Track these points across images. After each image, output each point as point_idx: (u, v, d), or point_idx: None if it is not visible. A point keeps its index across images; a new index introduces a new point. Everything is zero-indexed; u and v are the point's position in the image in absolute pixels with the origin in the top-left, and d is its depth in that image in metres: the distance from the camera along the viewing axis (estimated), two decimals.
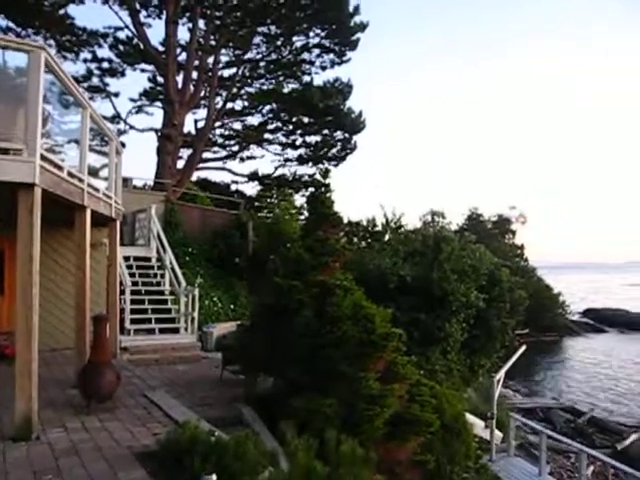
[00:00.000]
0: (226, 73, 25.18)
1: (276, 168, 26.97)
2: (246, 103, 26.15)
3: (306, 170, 26.65)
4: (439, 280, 14.87)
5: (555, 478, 12.70)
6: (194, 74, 22.60)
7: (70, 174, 6.85)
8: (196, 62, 22.65)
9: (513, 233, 48.77)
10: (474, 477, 9.11)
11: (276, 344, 7.29)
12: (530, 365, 31.71)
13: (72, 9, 21.09)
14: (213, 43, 23.15)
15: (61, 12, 20.91)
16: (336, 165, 26.06)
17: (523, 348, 14.99)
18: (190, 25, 22.20)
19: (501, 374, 13.36)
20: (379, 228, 21.03)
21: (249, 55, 24.35)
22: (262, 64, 24.90)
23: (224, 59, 24.66)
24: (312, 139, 26.24)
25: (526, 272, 41.46)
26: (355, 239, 20.94)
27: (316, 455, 4.60)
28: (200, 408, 7.30)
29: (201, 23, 22.31)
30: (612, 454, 15.98)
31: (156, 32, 22.41)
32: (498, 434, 13.58)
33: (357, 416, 6.27)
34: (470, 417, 11.97)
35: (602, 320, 54.93)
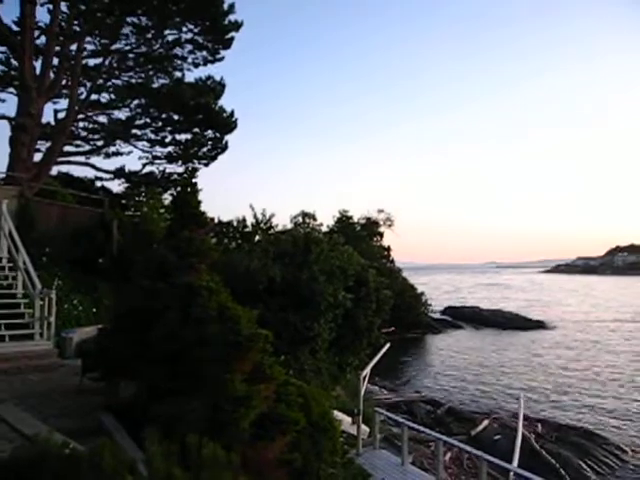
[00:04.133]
0: (91, 62, 23.70)
1: (144, 165, 25.84)
2: (113, 96, 24.83)
3: (175, 169, 25.87)
4: (308, 281, 15.14)
5: (417, 466, 13.35)
6: (55, 60, 20.99)
7: None
8: (57, 48, 21.05)
9: (380, 235, 51.09)
10: (341, 472, 9.33)
11: (139, 348, 6.99)
12: (395, 361, 33.38)
13: None
14: (77, 29, 21.66)
15: None
16: (206, 165, 25.58)
17: (387, 345, 15.71)
18: (50, 6, 20.58)
19: (367, 371, 13.88)
20: (249, 229, 20.95)
21: (117, 45, 23.08)
22: (131, 56, 23.75)
23: (89, 47, 23.14)
24: (182, 137, 25.52)
25: (392, 273, 43.65)
26: (225, 240, 20.67)
27: (178, 461, 4.44)
28: (56, 419, 6.81)
29: (64, 6, 20.77)
30: (467, 440, 17.30)
31: (10, 10, 20.53)
32: (365, 429, 14.10)
33: (223, 418, 6.17)
34: (338, 414, 12.32)
35: (460, 317, 59.37)
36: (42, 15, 21.42)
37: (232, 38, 23.33)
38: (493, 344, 43.91)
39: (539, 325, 52.86)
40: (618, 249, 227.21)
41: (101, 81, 23.72)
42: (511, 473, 13.26)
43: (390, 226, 53.47)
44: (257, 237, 20.41)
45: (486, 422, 20.29)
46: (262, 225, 20.80)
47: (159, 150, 25.74)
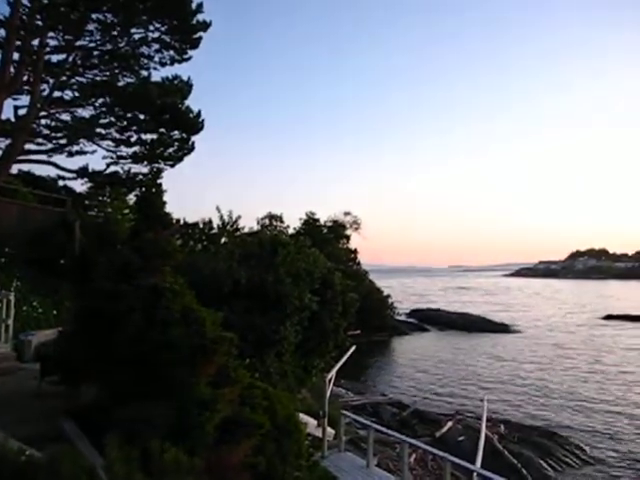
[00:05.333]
0: (54, 58, 23.07)
1: (108, 165, 25.28)
2: (77, 93, 24.25)
3: (141, 169, 25.40)
4: (274, 283, 15.07)
5: (382, 468, 13.41)
6: (15, 55, 20.37)
7: None
8: (18, 42, 20.44)
9: (347, 238, 51.29)
10: (306, 475, 9.31)
11: (101, 351, 6.84)
12: (361, 364, 33.53)
13: None
14: (39, 23, 21.08)
15: None
16: (172, 165, 25.20)
17: (353, 348, 15.76)
18: None
19: (332, 373, 13.89)
20: (215, 231, 20.74)
21: (81, 42, 22.55)
22: (96, 53, 23.21)
23: (52, 43, 22.52)
24: (148, 137, 25.08)
25: (358, 275, 43.87)
26: (191, 242, 20.43)
27: (140, 466, 4.36)
28: (14, 425, 6.59)
29: None
30: (431, 442, 17.48)
31: None
32: (330, 431, 14.10)
33: (187, 422, 6.09)
34: (303, 417, 12.28)
35: (426, 320, 60.03)
36: (1, 7, 20.83)
37: (200, 38, 23.07)
38: (458, 347, 44.50)
39: (504, 328, 53.80)
40: (578, 253, 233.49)
41: (64, 78, 23.12)
42: (474, 474, 13.44)
43: (357, 229, 53.81)
44: (223, 239, 20.22)
45: (450, 424, 20.54)
46: (228, 227, 20.63)
47: (124, 150, 25.24)
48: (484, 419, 18.86)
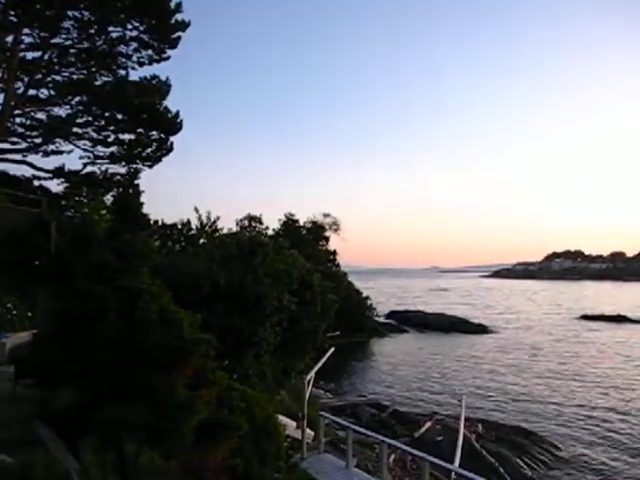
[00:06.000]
0: (30, 56, 22.71)
1: (85, 165, 24.92)
2: (52, 92, 23.88)
3: (118, 169, 25.07)
4: (253, 284, 15.01)
5: (361, 469, 13.41)
6: None
7: None
8: None
9: (326, 239, 51.32)
10: (285, 476, 9.28)
11: (77, 352, 6.73)
12: (340, 365, 33.54)
13: None
14: (14, 19, 20.72)
15: None
16: (151, 166, 24.91)
17: (332, 349, 15.72)
18: None
19: (311, 375, 13.86)
20: (194, 232, 20.59)
21: (57, 40, 22.22)
22: (72, 51, 22.87)
23: (27, 40, 22.18)
24: (126, 137, 24.76)
25: (337, 277, 43.90)
26: (169, 243, 20.26)
27: (116, 469, 4.30)
28: None
29: None
30: (410, 442, 17.54)
31: None
32: (309, 433, 14.06)
33: (165, 424, 6.03)
34: (282, 418, 12.23)
35: (404, 321, 60.36)
36: None
37: (179, 37, 22.89)
38: (437, 347, 44.81)
39: (481, 329, 54.31)
40: (555, 255, 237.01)
41: (40, 76, 22.77)
42: (453, 473, 13.54)
43: (336, 230, 53.88)
44: (202, 240, 20.08)
45: (429, 424, 20.64)
46: (207, 228, 20.50)
47: (101, 150, 24.88)
48: (462, 419, 19.00)
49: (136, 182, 23.01)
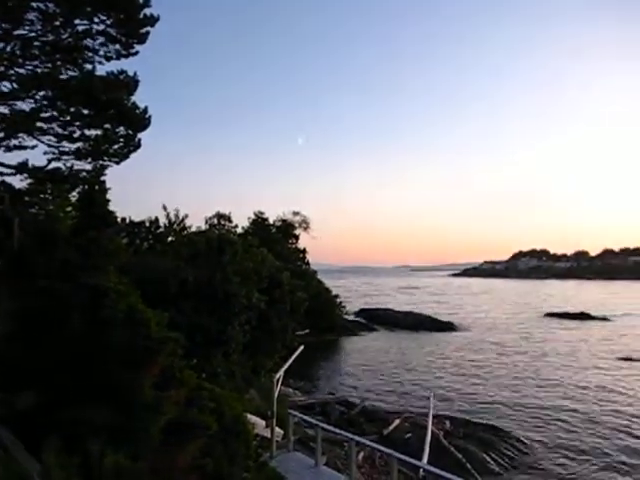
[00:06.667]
0: None
1: (50, 161, 24.38)
2: (15, 85, 23.27)
3: (84, 166, 24.59)
4: (222, 282, 14.90)
5: (331, 467, 13.44)
6: None
7: None
8: None
9: (296, 237, 51.32)
10: (254, 475, 9.23)
11: (40, 353, 6.57)
12: (310, 364, 33.54)
13: None
14: None
15: None
16: (118, 162, 24.44)
17: (301, 348, 15.72)
18: None
19: (280, 373, 13.83)
20: (162, 229, 20.34)
21: (20, 31, 21.67)
22: (37, 44, 22.32)
23: None
24: (92, 133, 24.29)
25: (307, 275, 43.95)
26: (137, 240, 19.97)
27: (80, 471, 4.21)
28: None
29: None
30: (379, 439, 17.65)
31: None
32: (279, 431, 14.04)
33: (131, 425, 5.93)
34: (251, 417, 12.19)
35: (374, 319, 60.70)
36: None
37: (147, 32, 22.46)
38: (406, 346, 45.21)
39: (450, 327, 55.00)
40: (521, 254, 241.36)
41: (2, 68, 22.15)
42: (421, 469, 13.69)
43: (306, 228, 53.93)
44: (170, 238, 19.84)
45: (397, 421, 20.81)
46: (175, 226, 20.26)
47: (67, 145, 24.29)
48: (430, 416, 19.22)
49: (102, 179, 22.69)
